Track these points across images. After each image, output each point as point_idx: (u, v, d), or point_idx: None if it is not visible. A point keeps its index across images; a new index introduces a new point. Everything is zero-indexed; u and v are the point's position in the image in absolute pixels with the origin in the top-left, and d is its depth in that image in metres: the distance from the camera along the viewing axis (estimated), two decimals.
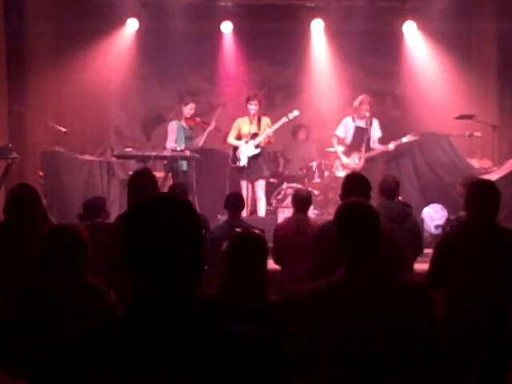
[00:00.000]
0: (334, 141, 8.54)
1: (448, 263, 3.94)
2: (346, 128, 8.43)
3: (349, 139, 8.36)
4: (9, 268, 3.96)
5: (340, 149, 8.46)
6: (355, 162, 8.20)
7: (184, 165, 8.28)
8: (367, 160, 8.15)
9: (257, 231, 3.50)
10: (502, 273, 3.83)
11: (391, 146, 8.09)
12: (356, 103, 8.30)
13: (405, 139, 8.04)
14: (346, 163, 8.30)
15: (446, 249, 3.97)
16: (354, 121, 8.34)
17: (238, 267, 3.06)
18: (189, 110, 8.64)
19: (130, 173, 8.44)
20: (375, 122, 8.33)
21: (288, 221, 5.76)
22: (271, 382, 1.42)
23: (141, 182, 4.35)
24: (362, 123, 8.28)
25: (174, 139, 8.48)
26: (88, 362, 1.39)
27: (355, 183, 4.21)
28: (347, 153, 8.37)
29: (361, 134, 8.21)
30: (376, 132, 8.28)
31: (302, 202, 5.59)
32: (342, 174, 8.02)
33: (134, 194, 4.29)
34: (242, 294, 2.99)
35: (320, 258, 4.01)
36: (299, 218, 5.46)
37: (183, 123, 8.60)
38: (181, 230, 1.46)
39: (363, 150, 8.21)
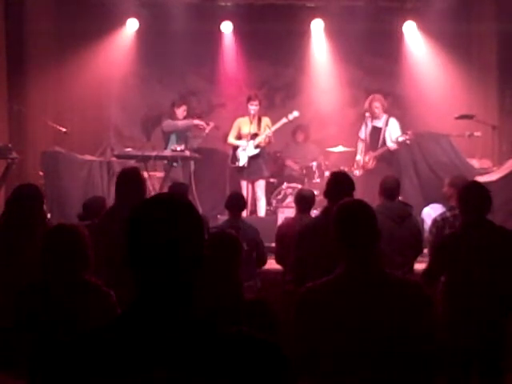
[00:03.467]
0: (359, 143, 8.57)
1: (447, 264, 3.95)
2: (365, 128, 8.46)
3: (368, 139, 8.38)
4: (9, 268, 3.96)
5: (361, 148, 8.51)
6: (365, 161, 8.23)
7: (175, 163, 8.34)
8: (377, 159, 8.17)
9: (229, 231, 3.51)
10: (501, 273, 3.84)
11: (392, 144, 8.11)
12: (366, 105, 8.33)
13: (400, 138, 8.05)
14: (358, 159, 8.36)
15: (445, 249, 3.98)
16: (371, 121, 8.36)
17: (210, 268, 3.05)
18: (182, 111, 8.69)
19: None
20: (393, 121, 8.33)
21: (291, 221, 5.75)
22: (271, 382, 1.42)
23: (129, 179, 4.38)
24: (378, 123, 8.30)
25: (178, 122, 8.53)
26: (88, 361, 1.39)
27: (340, 183, 4.23)
28: (365, 152, 8.40)
29: (376, 134, 8.24)
30: (394, 131, 8.27)
31: (304, 201, 5.60)
32: (357, 172, 8.25)
33: (122, 191, 4.33)
34: (215, 295, 2.98)
35: (303, 253, 4.13)
36: (302, 218, 5.45)
37: None
38: (182, 229, 1.46)
39: (363, 150, 8.24)
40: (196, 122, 8.67)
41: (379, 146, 8.22)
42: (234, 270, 3.08)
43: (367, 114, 8.30)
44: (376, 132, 8.28)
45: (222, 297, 2.94)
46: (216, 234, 3.46)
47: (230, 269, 3.05)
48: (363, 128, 8.52)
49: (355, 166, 8.44)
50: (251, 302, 3.09)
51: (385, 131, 8.25)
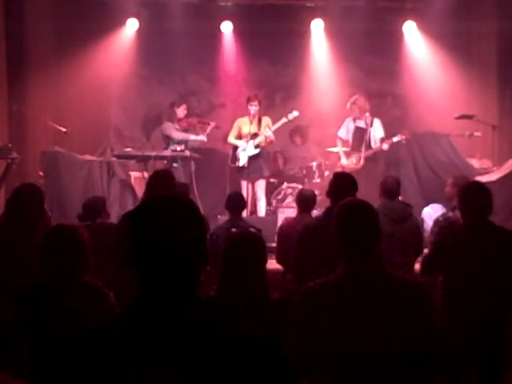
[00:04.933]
0: (338, 142, 8.56)
1: (447, 263, 3.95)
2: (347, 129, 8.44)
3: (350, 140, 8.37)
4: (9, 267, 3.96)
5: (342, 150, 8.49)
6: (353, 162, 8.21)
7: (175, 164, 8.33)
8: (366, 160, 8.15)
9: (253, 230, 3.48)
10: (501, 273, 3.84)
11: (385, 146, 8.09)
12: (348, 105, 8.35)
13: (395, 139, 8.05)
14: (346, 164, 8.32)
15: (445, 249, 3.98)
16: (354, 121, 8.35)
17: (237, 268, 3.05)
18: (182, 111, 8.69)
19: (130, 173, 8.56)
20: (377, 122, 8.31)
21: (292, 221, 5.75)
22: (271, 382, 1.42)
23: (161, 182, 4.37)
24: (361, 123, 8.28)
25: (175, 132, 8.52)
26: (87, 360, 1.39)
27: (342, 183, 4.23)
28: (348, 154, 8.39)
29: (361, 134, 8.21)
30: (377, 132, 8.25)
31: (305, 201, 5.60)
32: None
33: (152, 193, 4.31)
34: (242, 295, 2.99)
35: (303, 253, 4.14)
36: (303, 218, 5.44)
37: (176, 125, 8.62)
38: (184, 229, 1.46)
39: (363, 150, 8.22)
40: (192, 137, 8.58)
41: (364, 146, 8.16)
42: (259, 270, 3.08)
43: (367, 114, 8.28)
44: (360, 132, 8.24)
45: (248, 297, 2.94)
46: (239, 234, 3.46)
47: (254, 269, 3.05)
48: (344, 128, 8.50)
49: (340, 168, 8.40)
50: (277, 302, 3.09)
51: (370, 132, 8.22)
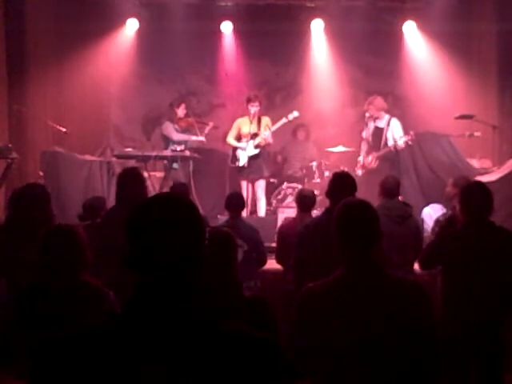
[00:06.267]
0: (363, 142, 8.59)
1: (446, 263, 3.95)
2: (368, 128, 8.47)
3: (370, 139, 8.41)
4: (14, 269, 3.95)
5: (364, 148, 8.57)
6: (368, 161, 8.27)
7: (175, 164, 8.34)
8: (381, 159, 8.17)
9: (226, 229, 3.47)
10: (500, 273, 3.84)
11: (392, 143, 8.11)
12: (365, 106, 8.38)
13: (402, 139, 8.06)
14: (360, 160, 8.40)
15: (443, 248, 3.98)
16: (374, 121, 8.37)
17: (208, 266, 3.02)
18: (182, 110, 8.70)
19: None
20: (394, 122, 8.29)
21: (292, 221, 5.75)
22: (270, 382, 1.42)
23: (129, 180, 4.40)
24: (380, 123, 8.29)
25: (175, 133, 8.54)
26: (87, 358, 1.39)
27: (342, 183, 4.23)
28: (367, 152, 8.44)
29: (379, 134, 8.24)
30: (395, 132, 8.24)
31: (305, 201, 5.60)
32: (359, 172, 8.27)
33: (122, 192, 4.35)
34: (213, 293, 2.96)
35: (303, 253, 4.15)
36: (303, 218, 5.45)
37: (176, 125, 8.63)
38: (182, 230, 1.46)
39: (364, 149, 8.25)
40: (194, 138, 8.62)
41: (381, 146, 8.21)
42: (230, 267, 3.06)
43: (367, 115, 8.31)
44: (378, 132, 8.28)
45: (220, 294, 2.92)
46: (209, 233, 3.43)
47: (225, 266, 3.03)
48: (366, 128, 8.54)
49: (358, 165, 8.48)
50: (250, 299, 3.08)
51: (387, 131, 8.24)
